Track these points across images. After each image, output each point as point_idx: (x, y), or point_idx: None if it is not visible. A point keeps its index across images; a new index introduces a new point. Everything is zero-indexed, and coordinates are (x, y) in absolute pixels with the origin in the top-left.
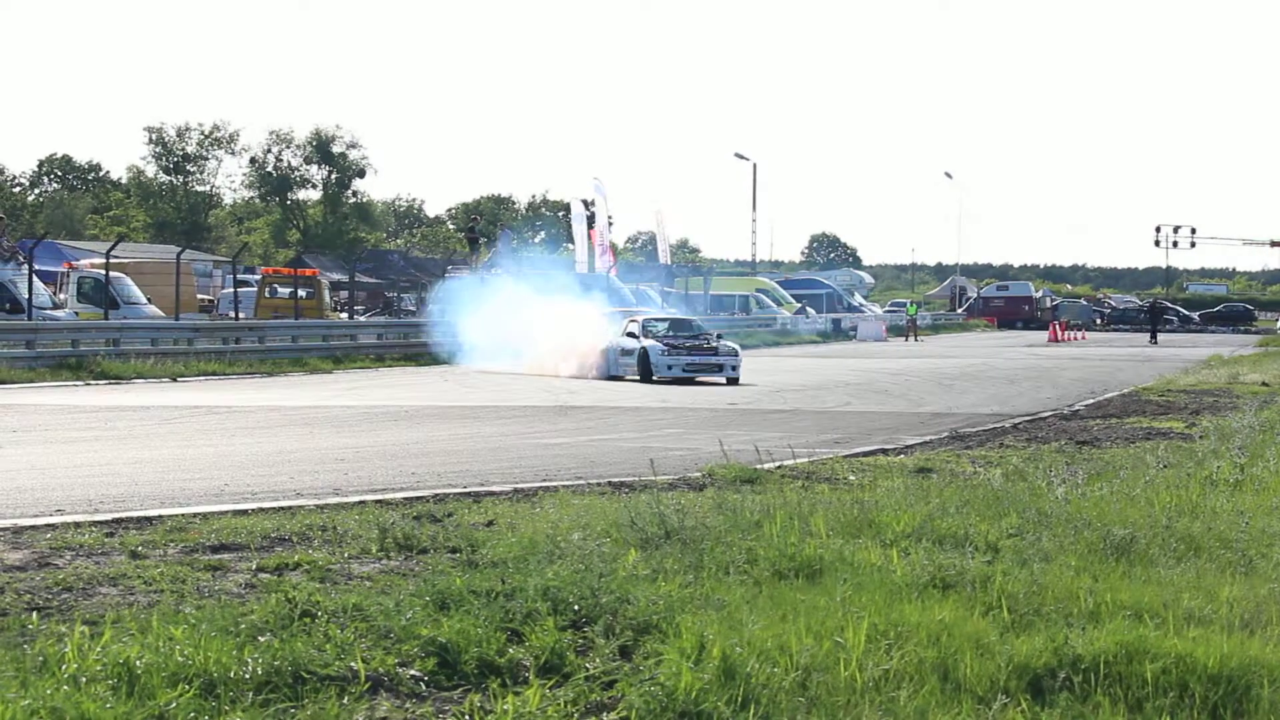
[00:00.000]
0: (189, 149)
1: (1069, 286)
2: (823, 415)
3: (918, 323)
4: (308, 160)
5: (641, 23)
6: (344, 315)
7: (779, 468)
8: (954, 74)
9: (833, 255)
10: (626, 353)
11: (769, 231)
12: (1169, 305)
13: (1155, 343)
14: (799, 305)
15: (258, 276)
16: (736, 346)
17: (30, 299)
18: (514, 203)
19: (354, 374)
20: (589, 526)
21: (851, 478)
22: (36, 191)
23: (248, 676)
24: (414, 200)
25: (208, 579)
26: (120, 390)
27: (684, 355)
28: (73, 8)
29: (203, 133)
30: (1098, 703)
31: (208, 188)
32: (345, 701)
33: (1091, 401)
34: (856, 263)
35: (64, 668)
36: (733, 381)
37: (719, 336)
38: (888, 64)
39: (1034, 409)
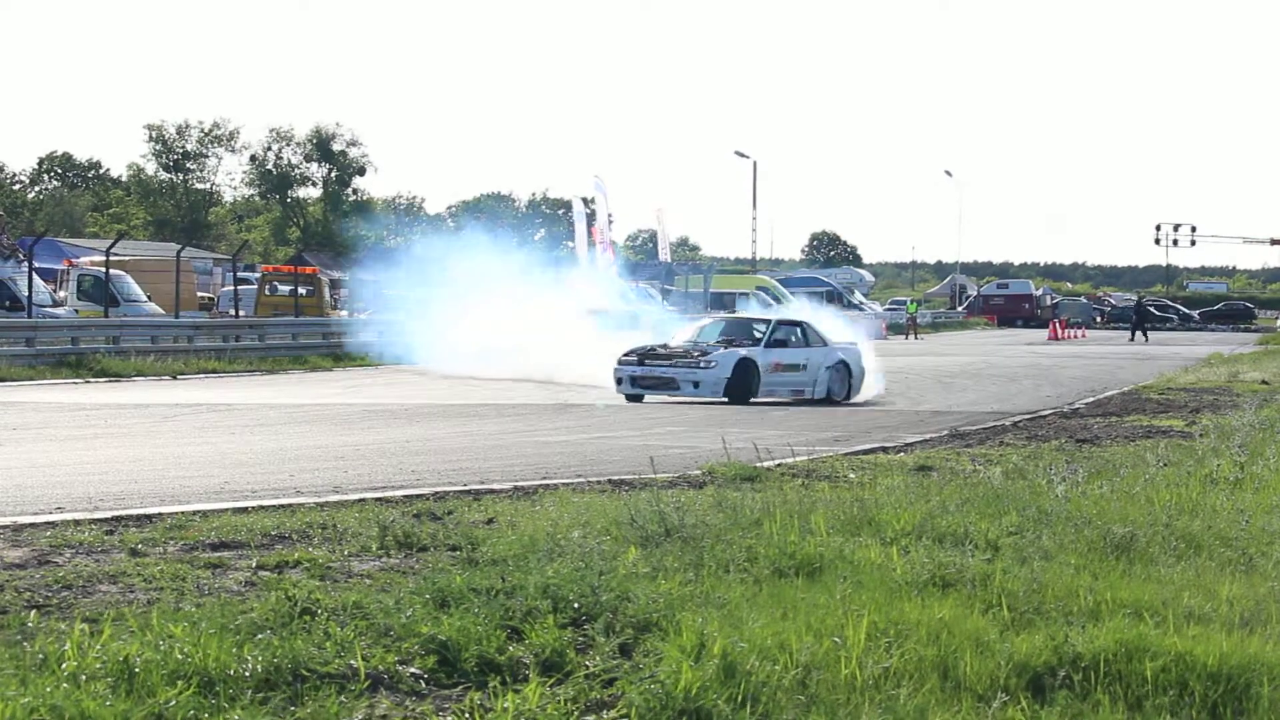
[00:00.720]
0: (189, 146)
1: (1069, 285)
2: (822, 413)
3: (918, 321)
4: (308, 158)
5: (642, 21)
6: (344, 313)
7: (779, 466)
8: (954, 73)
9: (833, 253)
10: None
11: (769, 230)
12: (1168, 302)
13: (1141, 340)
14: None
15: (258, 274)
16: (724, 358)
17: (30, 296)
18: (514, 200)
19: (354, 371)
20: (589, 524)
21: (851, 475)
22: (37, 189)
23: (247, 674)
24: (414, 198)
25: (207, 577)
26: (120, 388)
27: (634, 366)
28: (73, 6)
29: (203, 130)
30: (1098, 701)
31: (208, 185)
32: (345, 699)
33: (1092, 400)
34: (857, 261)
35: (63, 665)
36: (714, 402)
37: (776, 343)
38: (888, 62)
39: (1034, 407)
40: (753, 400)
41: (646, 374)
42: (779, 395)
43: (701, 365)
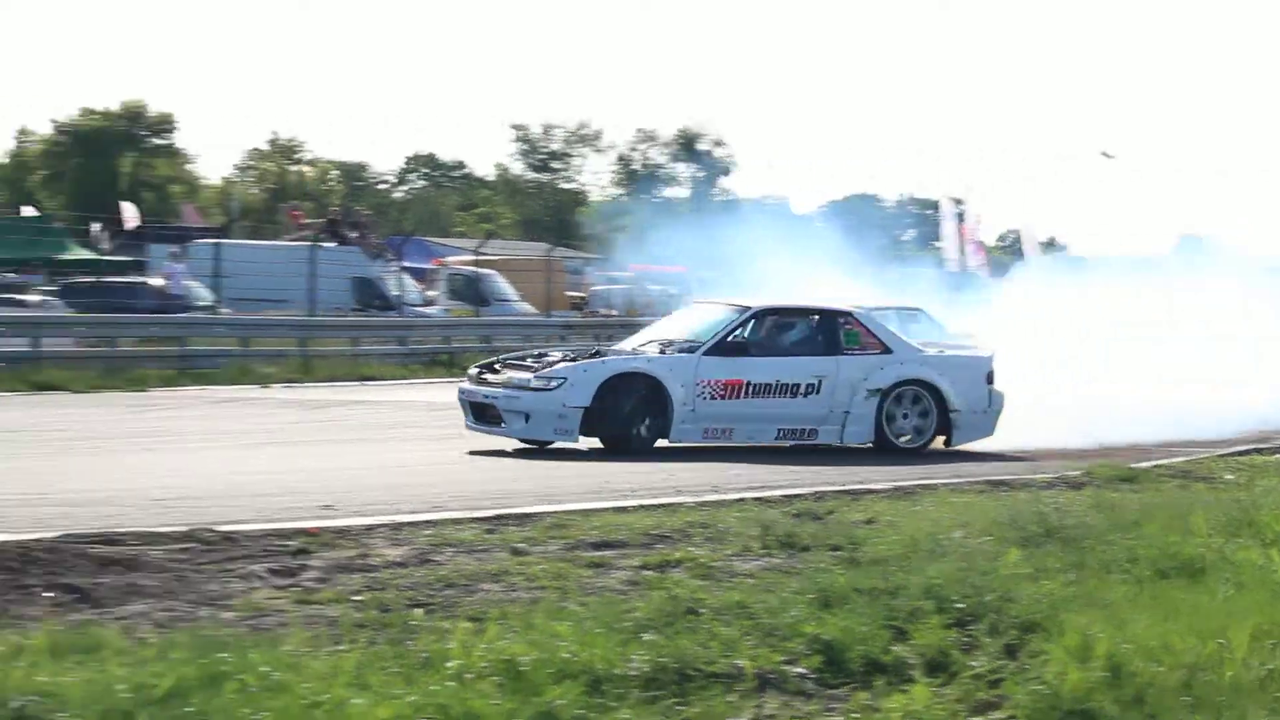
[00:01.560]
0: (554, 147)
1: None
2: None
3: None
4: (674, 158)
5: (1004, 30)
6: None
7: (1156, 467)
8: None
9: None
10: None
11: (1136, 229)
12: None
13: None
14: None
15: (628, 273)
16: (583, 373)
17: (401, 296)
18: (880, 201)
19: None
20: (969, 524)
21: (1228, 477)
22: (404, 189)
23: (633, 673)
24: (781, 199)
25: (590, 575)
26: None
27: (473, 386)
28: (438, 9)
29: (568, 130)
30: None
31: (574, 185)
32: (732, 699)
33: None
34: None
35: (448, 664)
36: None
37: (732, 348)
38: (1252, 58)
39: None
40: (663, 445)
41: (472, 396)
42: (745, 438)
43: (534, 385)
